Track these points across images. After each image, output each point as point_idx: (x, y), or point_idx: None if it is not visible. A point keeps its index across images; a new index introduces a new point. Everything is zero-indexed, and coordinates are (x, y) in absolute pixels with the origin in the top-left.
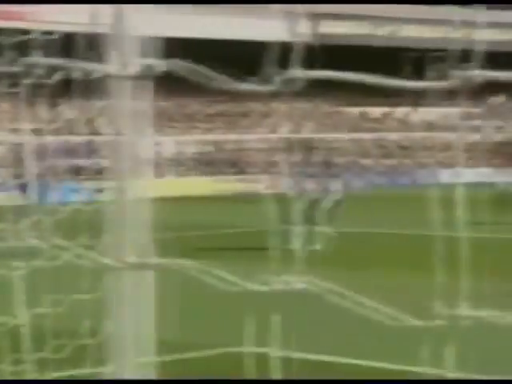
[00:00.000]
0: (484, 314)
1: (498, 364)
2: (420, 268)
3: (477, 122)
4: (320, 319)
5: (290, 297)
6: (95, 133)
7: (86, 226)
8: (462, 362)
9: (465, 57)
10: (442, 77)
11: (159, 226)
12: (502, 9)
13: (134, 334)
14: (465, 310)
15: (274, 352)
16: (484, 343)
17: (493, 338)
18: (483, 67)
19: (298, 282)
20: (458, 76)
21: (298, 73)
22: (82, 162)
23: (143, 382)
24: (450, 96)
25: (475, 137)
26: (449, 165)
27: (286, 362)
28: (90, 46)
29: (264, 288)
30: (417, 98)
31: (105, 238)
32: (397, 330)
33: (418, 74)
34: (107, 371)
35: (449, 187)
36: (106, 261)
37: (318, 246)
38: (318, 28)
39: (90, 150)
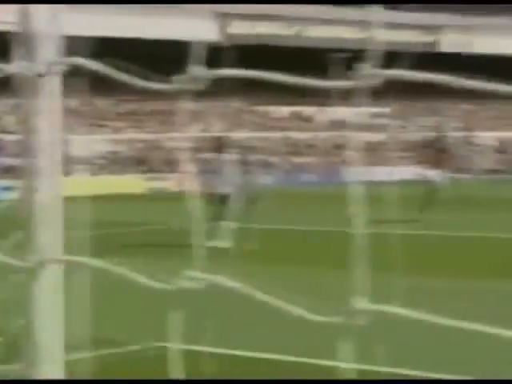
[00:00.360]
0: (401, 310)
1: (409, 359)
2: (335, 264)
3: (384, 121)
4: (235, 315)
5: (205, 294)
6: (4, 131)
7: None
8: (379, 357)
9: (369, 56)
10: (348, 76)
11: (70, 224)
12: (409, 10)
13: (45, 333)
14: (380, 307)
15: (189, 347)
16: (400, 339)
17: (407, 335)
18: (387, 67)
19: (208, 278)
20: (362, 75)
21: (203, 71)
22: None
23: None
24: (356, 95)
25: (382, 136)
26: (357, 163)
27: (204, 357)
28: None
29: (175, 285)
30: (325, 98)
31: (15, 236)
32: (311, 326)
33: (326, 73)
34: (18, 369)
35: (362, 185)
36: (17, 260)
37: (229, 243)
38: (228, 28)
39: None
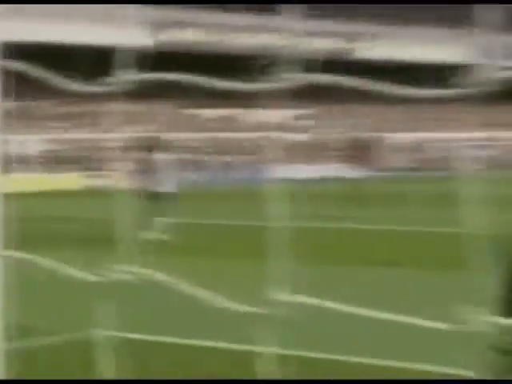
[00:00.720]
0: (314, 301)
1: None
2: (255, 257)
3: (307, 122)
4: (160, 305)
5: (135, 285)
6: None
7: None
8: (298, 342)
9: (288, 62)
10: (269, 80)
11: (10, 220)
12: (325, 18)
13: None
14: (295, 297)
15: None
16: (305, 327)
17: (316, 323)
18: (306, 72)
19: (138, 271)
20: (281, 79)
21: (129, 75)
22: None
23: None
24: (281, 98)
25: (306, 136)
26: (281, 162)
27: (135, 345)
28: None
29: (101, 278)
30: (252, 100)
31: None
32: (230, 315)
33: (252, 78)
34: None
35: (284, 182)
36: None
37: (162, 238)
38: (160, 35)
39: None
